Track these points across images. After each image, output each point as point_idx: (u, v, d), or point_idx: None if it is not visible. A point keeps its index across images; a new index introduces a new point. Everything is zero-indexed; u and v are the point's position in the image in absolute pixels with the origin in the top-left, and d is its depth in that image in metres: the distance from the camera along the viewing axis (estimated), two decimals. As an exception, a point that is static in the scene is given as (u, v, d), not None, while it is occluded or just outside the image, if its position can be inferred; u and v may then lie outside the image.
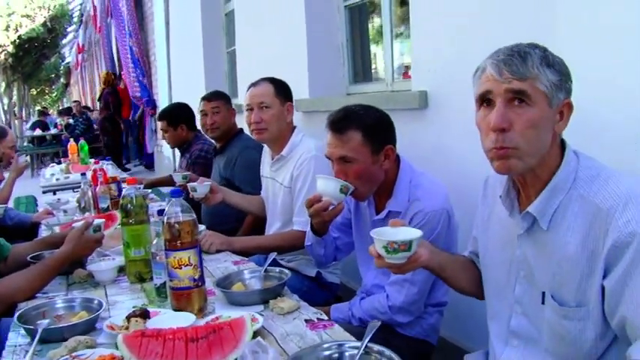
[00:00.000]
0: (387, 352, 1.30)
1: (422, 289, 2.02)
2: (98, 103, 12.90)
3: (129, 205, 2.12)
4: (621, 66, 1.75)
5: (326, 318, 1.69)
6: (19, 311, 1.78)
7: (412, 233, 1.42)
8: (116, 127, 11.78)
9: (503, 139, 1.27)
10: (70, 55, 27.04)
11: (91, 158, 6.74)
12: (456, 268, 1.64)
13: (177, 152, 7.66)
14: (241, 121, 4.12)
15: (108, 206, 3.43)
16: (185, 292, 1.72)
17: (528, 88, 1.26)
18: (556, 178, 1.31)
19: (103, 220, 2.51)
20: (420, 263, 1.46)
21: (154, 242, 1.90)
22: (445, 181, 2.11)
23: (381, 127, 2.03)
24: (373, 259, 1.85)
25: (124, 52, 10.03)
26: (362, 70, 4.02)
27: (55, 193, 5.51)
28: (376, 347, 1.32)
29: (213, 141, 3.97)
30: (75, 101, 14.83)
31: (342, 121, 2.00)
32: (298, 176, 2.62)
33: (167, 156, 8.74)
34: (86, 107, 17.78)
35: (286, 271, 2.01)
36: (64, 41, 26.48)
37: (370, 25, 4.00)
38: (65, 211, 3.62)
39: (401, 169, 2.06)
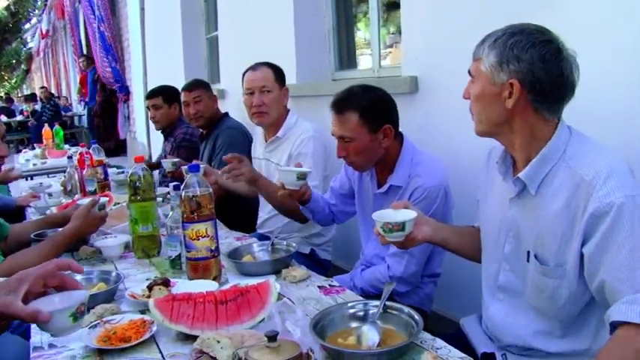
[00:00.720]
0: (406, 309, 1.42)
1: (420, 260, 2.15)
2: (75, 88, 12.75)
3: (137, 183, 2.19)
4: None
5: (337, 284, 1.81)
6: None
7: (406, 215, 1.59)
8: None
9: (469, 105, 1.53)
10: (32, 41, 26.37)
11: (65, 144, 6.73)
12: (461, 240, 1.78)
13: (153, 139, 7.71)
14: (224, 106, 4.21)
15: (95, 189, 3.47)
16: (202, 262, 1.81)
17: (473, 68, 1.49)
18: (546, 148, 1.44)
19: (107, 198, 2.57)
20: (419, 241, 1.65)
21: (170, 215, 1.98)
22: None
23: (378, 107, 2.15)
24: (373, 230, 2.03)
25: (94, 38, 9.90)
26: (347, 56, 4.10)
27: (32, 178, 5.50)
28: (396, 305, 1.44)
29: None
30: (42, 87, 14.55)
31: (342, 102, 2.14)
32: (299, 155, 2.73)
33: (141, 142, 8.69)
34: (51, 94, 17.46)
35: (293, 243, 2.12)
36: (27, 26, 25.84)
37: (357, 13, 4.08)
38: (50, 195, 3.63)
39: (404, 147, 2.20)
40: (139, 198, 2.19)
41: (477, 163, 2.56)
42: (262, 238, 2.67)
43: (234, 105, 4.71)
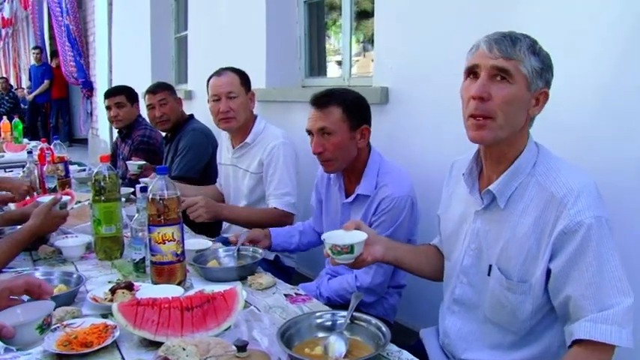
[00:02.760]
0: (374, 320, 1.43)
1: (387, 271, 2.17)
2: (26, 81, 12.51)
3: (101, 183, 2.14)
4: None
5: (303, 293, 1.81)
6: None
7: (355, 237, 1.58)
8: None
9: (483, 107, 1.40)
10: (-9, 30, 25.56)
11: (24, 138, 6.56)
12: (415, 258, 1.79)
13: (116, 136, 7.60)
14: (191, 108, 4.17)
15: (55, 186, 3.39)
16: (167, 266, 1.79)
17: (512, 68, 1.39)
18: (517, 161, 1.45)
19: (69, 197, 2.52)
20: (368, 262, 1.63)
21: (135, 217, 1.95)
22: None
23: (360, 106, 2.23)
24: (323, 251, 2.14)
25: (59, 30, 9.69)
26: (318, 64, 4.13)
27: (-13, 173, 5.35)
28: (363, 316, 1.44)
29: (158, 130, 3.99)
30: (2, 77, 14.14)
31: (325, 97, 2.21)
32: (270, 162, 2.74)
33: (103, 139, 8.56)
34: (10, 85, 16.99)
35: (259, 250, 2.11)
36: (-14, 13, 25.11)
37: (328, 21, 4.11)
38: (8, 190, 3.54)
39: (371, 156, 2.23)
40: (103, 198, 2.14)
41: (443, 178, 2.64)
42: (226, 242, 2.64)
43: (201, 106, 4.64)
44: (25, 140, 6.50)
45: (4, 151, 5.60)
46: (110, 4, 7.80)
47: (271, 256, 2.82)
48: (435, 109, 2.68)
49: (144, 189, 1.93)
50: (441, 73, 2.62)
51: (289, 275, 2.91)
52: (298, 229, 2.53)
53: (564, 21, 2.09)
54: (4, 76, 14.99)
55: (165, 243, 1.77)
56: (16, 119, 6.30)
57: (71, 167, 4.12)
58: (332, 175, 2.34)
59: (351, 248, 1.54)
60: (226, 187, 3.04)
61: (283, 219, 2.70)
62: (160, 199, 1.76)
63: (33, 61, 11.67)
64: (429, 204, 2.45)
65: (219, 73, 2.89)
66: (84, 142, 10.99)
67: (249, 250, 2.15)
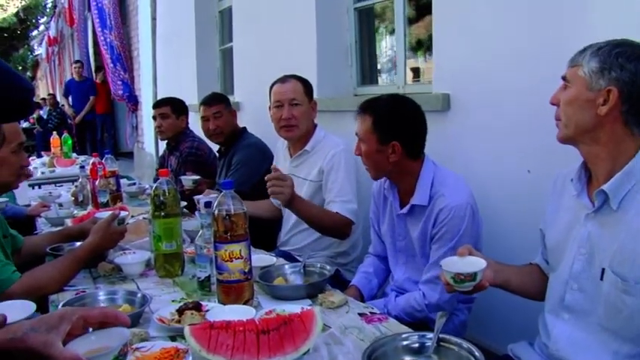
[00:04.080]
0: (465, 344, 1.32)
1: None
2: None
3: (161, 197, 2.10)
4: None
5: (378, 311, 1.71)
6: (61, 303, 1.75)
7: (477, 264, 1.52)
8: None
9: (556, 111, 1.54)
10: (39, 48, 26.33)
11: (72, 152, 6.65)
12: (521, 279, 1.74)
13: (162, 149, 7.65)
14: (238, 119, 4.13)
15: (107, 201, 3.42)
16: (235, 285, 1.72)
17: (570, 74, 1.49)
18: (631, 163, 1.42)
19: (127, 213, 2.49)
20: (485, 287, 1.59)
21: (199, 234, 1.89)
22: (467, 181, 2.18)
23: (394, 121, 2.11)
24: (401, 253, 2.25)
25: (104, 47, 9.85)
26: (369, 72, 4.05)
27: (40, 187, 5.41)
28: (453, 339, 1.34)
29: (205, 139, 3.98)
30: (49, 94, 14.44)
31: (366, 102, 2.19)
32: (331, 169, 2.70)
33: (149, 152, 8.63)
34: (57, 101, 17.38)
35: (327, 266, 2.03)
36: (35, 33, 25.78)
37: (380, 26, 4.03)
38: (61, 205, 3.58)
39: (424, 165, 2.14)
40: (163, 214, 2.10)
41: (506, 187, 2.53)
42: (284, 256, 2.61)
43: (248, 118, 4.68)
44: (74, 155, 6.59)
45: (55, 166, 5.66)
46: (154, 18, 7.84)
47: (332, 270, 2.70)
48: (499, 117, 2.57)
49: (208, 204, 1.87)
50: (505, 77, 2.52)
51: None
52: (368, 271, 2.42)
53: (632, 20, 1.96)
54: (52, 92, 15.23)
55: (232, 261, 1.70)
56: (65, 134, 6.40)
57: (121, 181, 4.13)
58: (386, 185, 2.27)
59: (474, 276, 1.51)
60: None
61: (344, 228, 2.64)
62: (227, 215, 1.70)
63: (73, 76, 11.48)
64: (491, 216, 2.36)
65: (283, 80, 2.88)
66: (129, 155, 11.12)
67: (317, 266, 2.07)
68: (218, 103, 3.77)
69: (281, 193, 2.40)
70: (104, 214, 2.34)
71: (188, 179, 3.29)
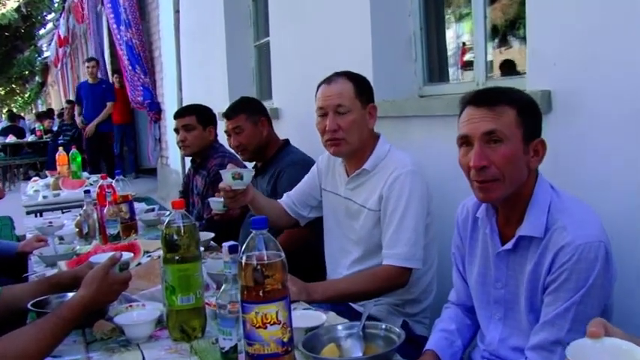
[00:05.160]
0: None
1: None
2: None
3: (174, 237, 1.91)
4: None
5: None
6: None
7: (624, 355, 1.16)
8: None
9: None
10: (48, 49, 26.85)
11: (83, 171, 6.59)
12: None
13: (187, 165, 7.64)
14: (278, 129, 3.95)
15: (118, 233, 3.32)
16: (271, 360, 1.50)
17: None
18: None
19: (132, 254, 2.32)
20: None
21: (223, 289, 1.70)
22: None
23: (536, 112, 1.95)
24: (498, 305, 2.02)
25: (120, 47, 9.90)
26: (438, 67, 3.85)
27: (41, 214, 5.32)
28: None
29: (235, 154, 3.94)
30: (69, 101, 14.56)
31: (494, 93, 1.96)
32: (390, 196, 2.54)
33: (175, 169, 8.62)
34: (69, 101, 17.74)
35: (396, 329, 1.82)
36: (42, 32, 26.24)
37: (450, 10, 3.85)
38: (61, 238, 3.49)
39: (538, 185, 1.90)
40: (177, 258, 1.90)
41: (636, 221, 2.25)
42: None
43: (290, 128, 4.57)
44: (85, 174, 6.53)
45: (61, 189, 5.57)
46: (177, 11, 7.86)
47: (399, 321, 2.60)
48: (622, 119, 2.29)
49: (233, 248, 1.65)
50: (625, 68, 2.25)
51: (421, 347, 2.55)
52: (449, 328, 2.19)
53: None
54: (71, 99, 15.09)
55: (266, 327, 1.50)
56: (74, 150, 6.32)
57: (137, 205, 4.07)
58: (481, 209, 2.01)
59: None
60: (332, 227, 2.86)
61: (398, 280, 2.52)
62: (259, 264, 1.49)
63: (87, 77, 11.26)
64: (619, 253, 2.07)
65: (329, 79, 2.71)
66: (152, 172, 11.17)
67: (381, 327, 1.85)
68: (237, 114, 3.72)
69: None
70: (101, 258, 2.17)
71: (218, 202, 3.11)
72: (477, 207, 2.03)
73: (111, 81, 11.89)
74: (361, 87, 2.68)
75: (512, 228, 1.91)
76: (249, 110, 3.73)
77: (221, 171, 2.67)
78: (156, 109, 9.48)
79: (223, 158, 4.01)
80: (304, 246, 3.16)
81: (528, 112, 1.90)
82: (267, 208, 2.81)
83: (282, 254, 1.53)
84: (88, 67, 11.15)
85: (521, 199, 1.89)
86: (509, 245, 1.89)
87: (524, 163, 1.87)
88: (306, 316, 1.94)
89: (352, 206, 2.70)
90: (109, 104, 10.91)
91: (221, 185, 2.61)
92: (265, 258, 1.50)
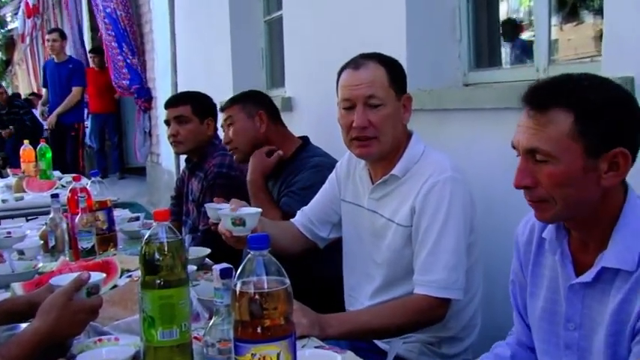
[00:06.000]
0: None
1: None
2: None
3: (156, 257, 1.87)
4: None
5: None
6: None
7: None
8: None
9: None
10: (14, 20, 27.17)
11: (54, 171, 6.60)
12: None
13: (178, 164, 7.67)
14: (292, 123, 3.95)
15: (93, 247, 3.33)
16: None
17: None
18: None
19: (104, 275, 2.32)
20: None
21: (211, 323, 1.71)
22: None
23: (615, 114, 1.81)
24: (569, 352, 1.96)
25: (102, 20, 9.98)
26: (488, 48, 3.86)
27: (-1, 223, 5.34)
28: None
29: None
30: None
31: (546, 90, 1.85)
32: (424, 210, 2.53)
33: (167, 169, 8.70)
34: (33, 94, 17.87)
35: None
36: (5, -1, 26.64)
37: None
38: (22, 253, 3.49)
39: (627, 204, 1.84)
40: (159, 282, 1.86)
41: None
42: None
43: (305, 121, 4.64)
44: (57, 174, 6.56)
45: (25, 191, 5.57)
46: (171, -22, 8.00)
47: None
48: None
49: (226, 272, 1.62)
50: None
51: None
52: (504, 354, 2.19)
53: None
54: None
55: None
56: (43, 144, 6.34)
57: (119, 213, 4.14)
58: (547, 233, 1.97)
59: None
60: (353, 246, 2.86)
61: (433, 313, 2.51)
62: (257, 293, 1.48)
63: (51, 55, 10.59)
64: None
65: (356, 63, 2.69)
66: (141, 172, 11.24)
67: None
68: (229, 104, 3.80)
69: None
70: (65, 279, 2.14)
71: (216, 209, 3.10)
72: (544, 226, 1.98)
73: (88, 61, 11.97)
74: (395, 73, 2.68)
75: (590, 255, 1.87)
76: (245, 100, 3.77)
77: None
78: (145, 96, 9.60)
79: (224, 157, 4.01)
80: (315, 268, 3.16)
81: (594, 118, 1.79)
82: (277, 237, 2.75)
83: (287, 281, 1.52)
84: (48, 40, 10.45)
85: (600, 220, 1.85)
86: (587, 277, 1.85)
87: (588, 183, 1.80)
88: (317, 356, 1.93)
89: (378, 220, 2.70)
90: (75, 89, 10.19)
91: (220, 229, 2.61)
92: (265, 285, 1.49)
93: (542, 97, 1.83)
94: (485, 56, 3.82)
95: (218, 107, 4.34)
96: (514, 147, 1.88)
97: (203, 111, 4.20)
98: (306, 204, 3.18)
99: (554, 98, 1.80)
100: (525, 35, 3.66)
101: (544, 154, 1.78)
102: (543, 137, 1.79)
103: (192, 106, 4.18)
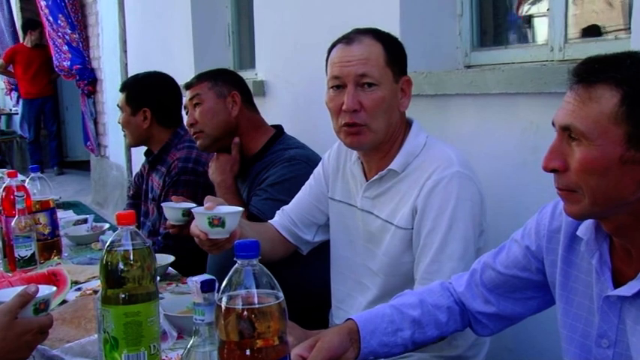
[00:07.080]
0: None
1: None
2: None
3: (121, 265, 1.87)
4: None
5: None
6: None
7: None
8: None
9: None
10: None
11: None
12: None
13: (136, 158, 7.60)
14: (265, 111, 3.95)
15: (32, 255, 3.33)
16: None
17: None
18: None
19: (53, 288, 2.28)
20: None
21: (190, 345, 1.68)
22: None
23: None
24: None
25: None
26: (493, 25, 3.88)
27: None
28: None
29: None
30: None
31: (597, 63, 1.84)
32: (426, 210, 2.55)
33: (116, 163, 8.71)
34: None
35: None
36: None
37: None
38: None
39: None
40: (124, 297, 1.87)
41: None
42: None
43: (279, 109, 4.64)
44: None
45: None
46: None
47: None
48: None
49: (208, 285, 1.61)
50: None
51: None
52: (408, 312, 2.23)
53: None
54: None
55: None
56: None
57: (62, 215, 4.19)
58: (584, 231, 1.97)
59: None
60: (342, 251, 2.88)
61: None
62: (246, 309, 1.48)
63: None
64: None
65: (349, 38, 2.69)
66: (84, 166, 11.19)
67: None
68: (197, 81, 3.80)
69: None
70: (6, 294, 2.13)
71: (174, 209, 3.09)
72: (577, 222, 1.97)
73: (16, 37, 11.91)
74: (393, 51, 2.67)
75: (633, 265, 1.85)
76: (216, 78, 3.77)
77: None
78: (88, 78, 9.52)
79: (190, 151, 4.03)
80: (297, 277, 3.16)
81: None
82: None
83: (281, 294, 1.53)
84: None
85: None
86: (627, 290, 1.83)
87: (626, 177, 1.78)
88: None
89: (373, 222, 2.70)
90: None
91: (194, 230, 2.58)
92: (256, 300, 1.50)
93: (589, 71, 1.81)
94: (490, 34, 3.84)
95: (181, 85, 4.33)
96: (553, 124, 1.87)
97: (138, 98, 4.22)
98: (278, 204, 3.20)
99: (602, 72, 1.78)
100: (537, 9, 3.67)
101: (578, 134, 1.78)
102: (581, 114, 1.78)
103: (127, 96, 4.24)
